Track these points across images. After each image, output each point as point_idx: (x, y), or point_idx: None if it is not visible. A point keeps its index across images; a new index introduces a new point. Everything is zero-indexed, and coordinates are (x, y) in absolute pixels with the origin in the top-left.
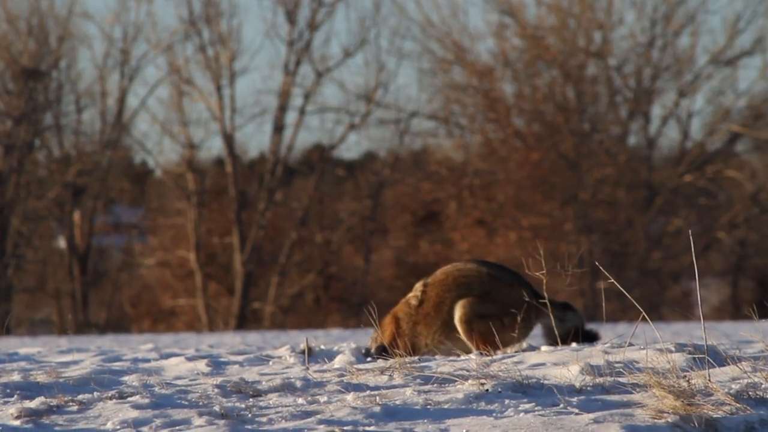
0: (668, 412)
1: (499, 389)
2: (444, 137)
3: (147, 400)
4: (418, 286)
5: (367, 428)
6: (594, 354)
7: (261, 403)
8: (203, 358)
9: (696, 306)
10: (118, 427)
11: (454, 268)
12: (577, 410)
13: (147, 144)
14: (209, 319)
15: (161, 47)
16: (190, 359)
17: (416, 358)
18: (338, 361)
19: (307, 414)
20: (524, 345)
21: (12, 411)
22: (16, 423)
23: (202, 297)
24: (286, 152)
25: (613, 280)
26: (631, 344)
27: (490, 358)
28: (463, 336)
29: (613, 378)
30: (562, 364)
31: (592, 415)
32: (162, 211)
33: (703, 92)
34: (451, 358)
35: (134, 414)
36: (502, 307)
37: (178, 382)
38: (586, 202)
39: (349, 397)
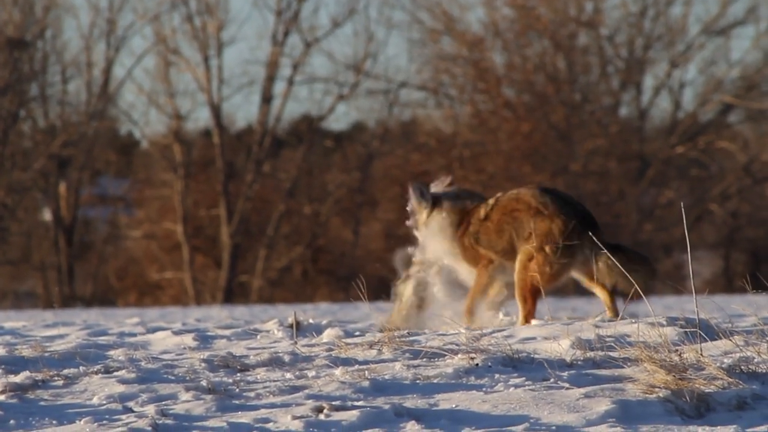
0: (660, 387)
1: (489, 363)
2: (433, 108)
3: (133, 375)
4: (491, 201)
5: (355, 403)
6: (585, 328)
7: (248, 378)
8: (190, 332)
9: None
10: (104, 401)
11: (512, 196)
12: (567, 385)
13: (133, 115)
14: (196, 293)
15: (148, 17)
16: (176, 333)
17: (405, 332)
18: (326, 336)
19: (295, 389)
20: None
21: None
22: (1, 398)
23: (188, 270)
24: (274, 123)
25: (605, 252)
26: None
27: (480, 332)
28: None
29: (604, 352)
30: (552, 338)
31: (582, 390)
32: (148, 183)
33: (696, 62)
34: (441, 332)
35: (120, 389)
36: (543, 238)
37: (165, 356)
38: (577, 174)
39: (338, 371)
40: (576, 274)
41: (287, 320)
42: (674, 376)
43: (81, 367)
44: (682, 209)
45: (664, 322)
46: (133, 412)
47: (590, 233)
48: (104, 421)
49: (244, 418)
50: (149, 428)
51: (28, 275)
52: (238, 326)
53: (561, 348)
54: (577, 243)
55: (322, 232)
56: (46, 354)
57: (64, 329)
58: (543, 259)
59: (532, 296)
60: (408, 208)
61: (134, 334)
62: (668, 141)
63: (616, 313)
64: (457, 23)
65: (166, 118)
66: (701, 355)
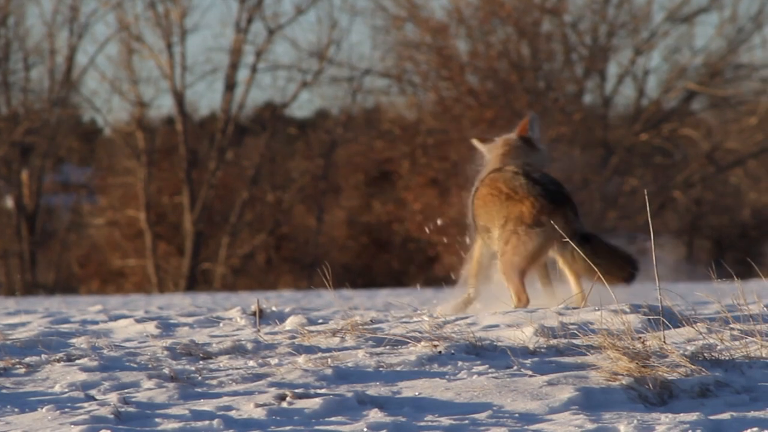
0: (623, 374)
1: (452, 351)
2: (397, 95)
3: (95, 363)
4: (484, 176)
5: (318, 391)
6: (548, 315)
7: (211, 366)
8: (152, 319)
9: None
10: (66, 389)
11: (493, 177)
12: (530, 372)
13: (96, 102)
14: (159, 280)
15: (111, 4)
16: (139, 321)
17: (369, 319)
18: (289, 323)
19: (258, 376)
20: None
21: None
22: None
23: (151, 257)
24: (237, 110)
25: (567, 239)
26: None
27: (443, 319)
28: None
29: (567, 340)
30: (515, 326)
31: (545, 378)
32: (111, 171)
33: (660, 50)
34: (404, 319)
35: (82, 377)
36: (515, 222)
37: (127, 344)
38: None
39: (301, 359)
40: (553, 254)
41: (250, 308)
42: (637, 363)
43: (43, 355)
44: (646, 197)
45: (628, 310)
46: (95, 400)
47: (562, 215)
48: (66, 409)
49: (206, 405)
50: (111, 416)
51: None
52: (201, 314)
53: (524, 335)
54: (547, 225)
55: (285, 219)
56: (8, 342)
57: (26, 317)
58: (517, 241)
59: (515, 276)
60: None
61: (97, 322)
62: (632, 128)
63: (581, 298)
64: (421, 10)
65: (129, 106)
66: (664, 342)
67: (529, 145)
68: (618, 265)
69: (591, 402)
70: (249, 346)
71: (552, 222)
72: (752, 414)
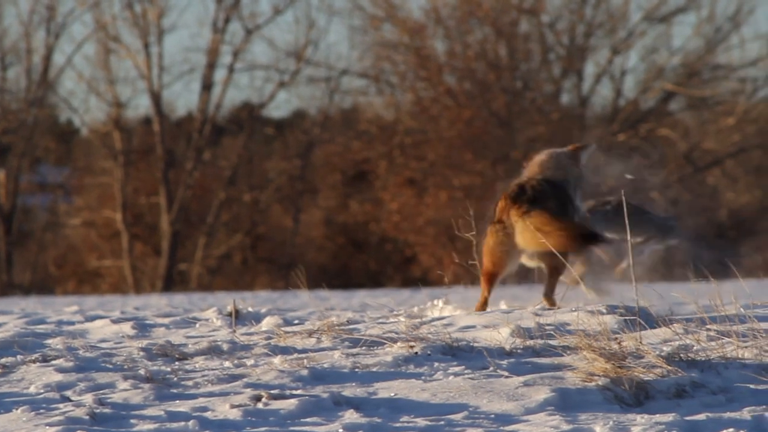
0: (599, 375)
1: (429, 352)
2: (374, 95)
3: (71, 364)
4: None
5: (294, 391)
6: (524, 316)
7: (187, 367)
8: (128, 320)
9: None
10: (42, 390)
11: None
12: (507, 373)
13: (73, 102)
14: (135, 281)
15: (88, 4)
16: (115, 322)
17: (345, 320)
18: (266, 324)
19: (234, 377)
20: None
21: None
22: None
23: (128, 258)
24: (215, 111)
25: (544, 240)
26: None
27: (419, 320)
28: None
29: (543, 340)
30: (492, 327)
31: (522, 378)
32: (88, 171)
33: (637, 50)
34: (381, 320)
35: (58, 377)
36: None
37: (103, 345)
38: (517, 161)
39: (277, 360)
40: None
41: (226, 308)
42: (613, 364)
43: (18, 356)
44: (623, 197)
45: (604, 311)
46: (70, 401)
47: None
48: (41, 410)
49: (182, 406)
50: (87, 417)
51: None
52: (177, 314)
53: (500, 336)
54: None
55: (262, 219)
56: None
57: (2, 318)
58: (485, 238)
59: (482, 273)
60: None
61: (73, 323)
62: (609, 129)
63: (550, 303)
64: (399, 10)
65: (106, 106)
66: (640, 343)
67: (563, 160)
68: (571, 228)
69: (567, 403)
70: (225, 346)
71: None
72: (728, 415)
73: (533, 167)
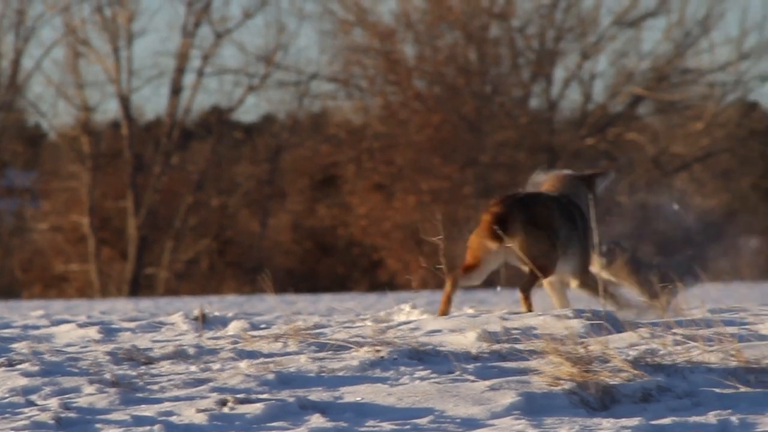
0: (565, 379)
1: (395, 356)
2: (344, 100)
3: (37, 368)
4: None
5: (260, 396)
6: (491, 320)
7: (153, 371)
8: (95, 324)
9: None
10: (7, 395)
11: None
12: (473, 377)
13: (41, 106)
14: (102, 285)
15: (58, 8)
16: (81, 326)
17: (311, 324)
18: (232, 328)
19: (200, 381)
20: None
21: None
22: None
23: (94, 262)
24: (183, 115)
25: (511, 245)
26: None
27: (386, 324)
28: None
29: (510, 345)
30: (458, 331)
31: (488, 383)
32: (56, 175)
33: (607, 54)
34: (347, 324)
35: (23, 382)
36: None
37: (69, 349)
38: (486, 165)
39: (243, 364)
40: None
41: (193, 313)
42: (579, 368)
43: None
44: (590, 201)
45: (571, 315)
46: (35, 405)
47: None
48: (6, 415)
49: (147, 411)
50: (52, 422)
51: None
52: (143, 319)
53: (467, 340)
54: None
55: (230, 224)
56: None
57: None
58: None
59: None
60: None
61: (38, 327)
62: (578, 133)
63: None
64: (369, 14)
65: (74, 110)
66: (607, 347)
67: (577, 183)
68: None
69: (533, 407)
70: (191, 351)
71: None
72: (694, 419)
73: (548, 183)
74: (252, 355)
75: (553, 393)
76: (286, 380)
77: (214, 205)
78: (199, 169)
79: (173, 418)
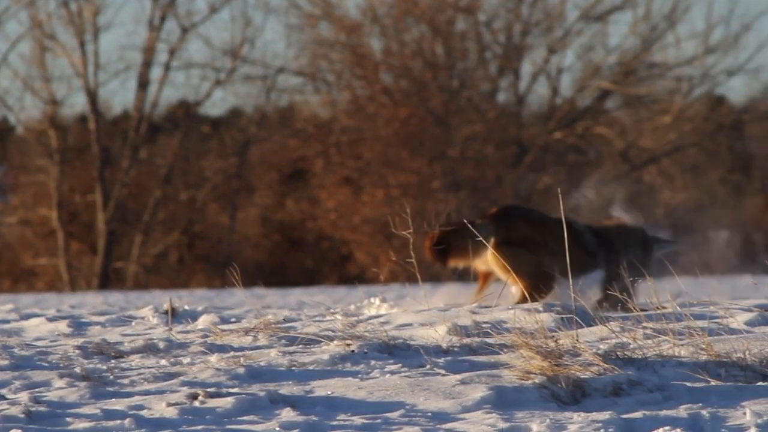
0: (535, 373)
1: (365, 350)
2: (311, 94)
3: (6, 362)
4: None
5: (230, 390)
6: (461, 314)
7: (123, 365)
8: (64, 318)
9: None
10: None
11: None
12: (443, 371)
13: (8, 100)
14: (71, 279)
15: (23, 1)
16: (51, 320)
17: (281, 318)
18: (202, 322)
19: (170, 375)
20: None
21: None
22: None
23: (63, 256)
24: (151, 109)
25: (481, 239)
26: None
27: (356, 318)
28: None
29: (480, 339)
30: (429, 325)
31: (458, 376)
32: (23, 169)
33: (574, 48)
34: (317, 318)
35: None
36: None
37: (39, 343)
38: (454, 159)
39: (213, 358)
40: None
41: (163, 307)
42: (550, 362)
43: None
44: (560, 195)
45: (541, 309)
46: (5, 399)
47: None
48: None
49: (118, 405)
50: (22, 415)
51: None
52: (113, 313)
53: (437, 334)
54: None
55: (198, 218)
56: None
57: None
58: None
59: None
60: None
61: (8, 321)
62: (546, 127)
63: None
64: (335, 8)
65: (41, 104)
66: (577, 341)
67: (637, 234)
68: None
69: (504, 401)
70: (161, 345)
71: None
72: (664, 413)
73: (613, 221)
74: (222, 349)
75: (523, 387)
76: (256, 374)
77: (183, 199)
78: (167, 163)
79: (144, 412)
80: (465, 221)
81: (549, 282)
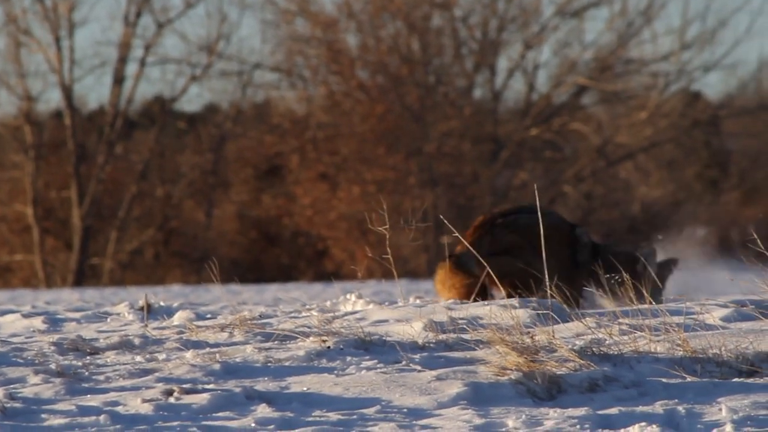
0: (511, 369)
1: (341, 346)
2: (287, 89)
3: None
4: None
5: (206, 386)
6: (437, 310)
7: (98, 361)
8: (40, 315)
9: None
10: None
11: None
12: (419, 367)
13: None
14: (46, 275)
15: None
16: (26, 316)
17: (257, 314)
18: (177, 318)
19: (146, 372)
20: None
21: None
22: None
23: (39, 252)
24: (126, 104)
25: (458, 234)
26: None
27: (332, 314)
28: None
29: (456, 335)
30: (404, 321)
31: (434, 372)
32: None
33: (550, 44)
34: (293, 314)
35: None
36: None
37: (14, 339)
38: (430, 156)
39: (189, 354)
40: None
41: (138, 303)
42: (526, 358)
43: None
44: (536, 191)
45: (517, 305)
46: None
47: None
48: None
49: (93, 401)
50: None
51: None
52: (89, 309)
53: (413, 330)
54: None
55: (174, 214)
56: None
57: None
58: None
59: None
60: None
61: None
62: (522, 123)
63: None
64: (311, 4)
65: (16, 100)
66: (553, 337)
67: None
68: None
69: (479, 397)
70: (137, 341)
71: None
72: (640, 409)
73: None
74: (198, 345)
75: (499, 383)
76: (232, 370)
77: (159, 195)
78: (142, 159)
79: (119, 408)
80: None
81: (530, 286)
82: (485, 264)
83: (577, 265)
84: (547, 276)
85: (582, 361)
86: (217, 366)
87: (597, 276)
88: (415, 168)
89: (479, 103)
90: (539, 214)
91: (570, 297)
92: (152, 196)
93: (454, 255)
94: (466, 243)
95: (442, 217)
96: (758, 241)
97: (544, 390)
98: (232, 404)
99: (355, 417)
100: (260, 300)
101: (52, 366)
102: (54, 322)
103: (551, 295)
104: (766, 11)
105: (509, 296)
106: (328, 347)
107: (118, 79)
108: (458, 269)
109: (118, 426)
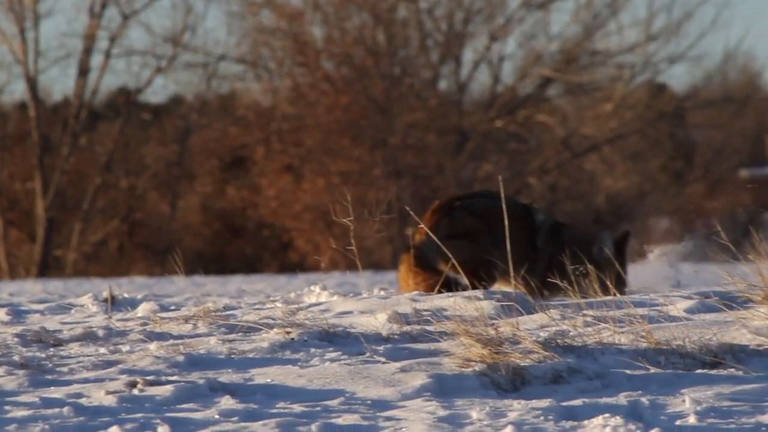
0: (476, 361)
1: (305, 338)
2: (252, 81)
3: None
4: None
5: (170, 378)
6: (401, 302)
7: (62, 353)
8: (3, 306)
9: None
10: None
11: None
12: (383, 359)
13: None
14: (10, 267)
15: None
16: None
17: (221, 306)
18: (141, 310)
19: (110, 363)
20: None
21: None
22: None
23: (2, 244)
24: (91, 96)
25: (423, 226)
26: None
27: (296, 306)
28: None
29: (420, 326)
30: (369, 312)
31: (398, 364)
32: None
33: (515, 36)
34: (257, 306)
35: None
36: None
37: None
38: (395, 147)
39: (152, 346)
40: None
41: (102, 294)
42: (490, 349)
43: None
44: (501, 183)
45: (481, 296)
46: None
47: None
48: None
49: (56, 393)
50: None
51: None
52: (52, 301)
53: (377, 322)
54: None
55: (139, 205)
56: None
57: None
58: None
59: None
60: None
61: None
62: (487, 115)
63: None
64: None
65: None
66: (517, 329)
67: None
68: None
69: (443, 389)
70: (100, 333)
71: None
72: (604, 400)
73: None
74: (161, 336)
75: (463, 374)
76: (195, 362)
77: (123, 187)
78: (107, 151)
79: (82, 400)
80: (409, 248)
81: (490, 270)
82: (443, 248)
83: (536, 250)
84: (510, 261)
85: (546, 353)
86: (180, 358)
87: (559, 263)
88: (380, 159)
89: (444, 94)
90: (502, 199)
91: (530, 283)
92: (117, 187)
93: (414, 247)
94: (425, 227)
95: (407, 208)
96: (722, 233)
97: (508, 381)
98: (195, 396)
99: (318, 409)
100: (224, 292)
101: (16, 358)
102: (17, 314)
103: (515, 285)
104: (732, 3)
105: (470, 282)
106: (292, 339)
107: (83, 71)
108: (419, 267)
109: (81, 418)
